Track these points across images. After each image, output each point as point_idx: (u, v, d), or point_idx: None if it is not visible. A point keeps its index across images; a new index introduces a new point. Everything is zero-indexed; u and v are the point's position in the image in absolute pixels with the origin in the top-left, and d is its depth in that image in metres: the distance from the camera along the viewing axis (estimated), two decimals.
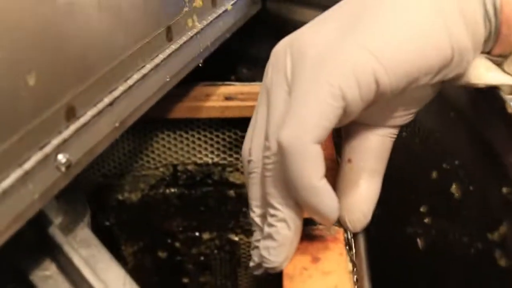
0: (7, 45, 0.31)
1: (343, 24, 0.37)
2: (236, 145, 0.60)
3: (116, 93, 0.40)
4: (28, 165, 0.34)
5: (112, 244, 0.68)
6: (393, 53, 0.35)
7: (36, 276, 0.38)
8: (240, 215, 0.65)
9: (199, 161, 0.61)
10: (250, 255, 0.68)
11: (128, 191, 0.64)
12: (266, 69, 0.41)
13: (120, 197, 0.64)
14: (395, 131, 0.42)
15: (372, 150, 0.42)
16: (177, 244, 0.68)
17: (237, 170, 0.62)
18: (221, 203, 0.64)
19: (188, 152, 0.61)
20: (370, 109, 0.39)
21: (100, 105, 0.38)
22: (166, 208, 0.65)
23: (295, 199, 0.37)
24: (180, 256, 0.69)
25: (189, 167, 0.62)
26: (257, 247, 0.41)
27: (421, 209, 0.54)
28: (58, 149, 0.36)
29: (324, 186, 0.36)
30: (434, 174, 0.51)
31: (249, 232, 0.66)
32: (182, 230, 0.67)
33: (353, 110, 0.36)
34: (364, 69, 0.35)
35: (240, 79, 0.64)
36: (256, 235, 0.42)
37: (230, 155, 0.61)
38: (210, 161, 0.61)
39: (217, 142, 0.60)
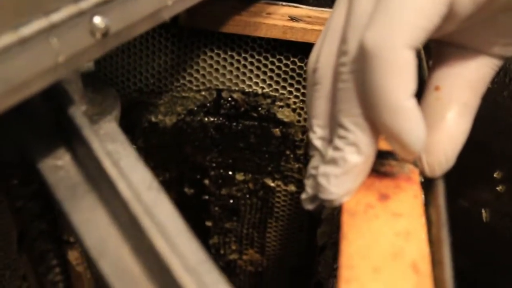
0: None
1: None
2: (292, 76, 0.53)
3: None
4: (56, 17, 0.27)
5: None
6: None
7: (46, 164, 0.32)
8: (283, 158, 0.58)
9: (247, 89, 0.54)
10: (285, 205, 0.62)
11: (163, 113, 0.57)
12: None
13: (153, 119, 0.58)
14: (498, 63, 0.34)
15: (468, 79, 0.34)
16: (206, 182, 0.61)
17: (288, 106, 0.54)
18: (263, 141, 0.57)
19: (237, 77, 0.54)
20: (474, 28, 0.32)
21: None
22: (202, 139, 0.58)
23: (373, 120, 0.30)
24: (208, 195, 0.62)
25: (235, 95, 0.55)
26: (313, 176, 0.34)
27: (495, 175, 0.46)
28: (97, 9, 0.29)
29: (413, 106, 0.29)
30: None
31: (288, 180, 0.59)
32: (215, 166, 0.60)
33: (460, 13, 0.29)
34: None
35: None
36: (314, 161, 0.34)
37: (283, 87, 0.54)
38: (259, 90, 0.54)
39: (271, 70, 0.53)
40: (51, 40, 0.27)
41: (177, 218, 0.28)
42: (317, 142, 0.34)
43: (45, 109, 0.33)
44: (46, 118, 0.33)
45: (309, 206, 0.35)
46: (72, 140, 0.32)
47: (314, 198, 0.34)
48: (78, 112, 0.31)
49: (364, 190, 0.32)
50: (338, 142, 0.31)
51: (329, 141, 0.33)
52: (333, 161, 0.32)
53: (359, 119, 0.30)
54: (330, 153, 0.32)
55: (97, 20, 0.29)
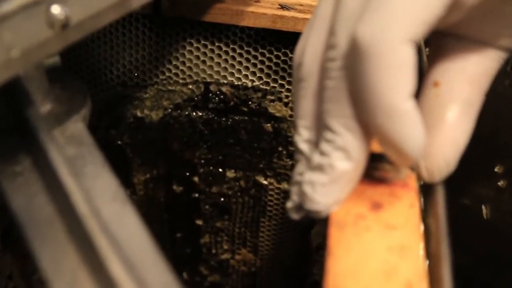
0: None
1: None
2: (284, 68, 0.49)
3: None
4: (7, 7, 0.24)
5: (122, 168, 0.59)
6: None
7: (3, 170, 0.29)
8: (275, 155, 0.55)
9: (236, 82, 0.51)
10: (278, 204, 0.59)
11: (148, 107, 0.54)
12: None
13: (138, 113, 0.55)
14: (503, 55, 0.31)
15: (471, 74, 0.30)
16: (196, 179, 0.58)
17: (280, 100, 0.51)
18: (254, 137, 0.54)
19: (225, 69, 0.51)
20: (481, 18, 0.28)
21: None
22: (190, 134, 0.55)
23: (365, 122, 0.27)
24: (198, 193, 0.59)
25: (224, 89, 0.52)
26: (298, 183, 0.31)
27: (496, 169, 0.43)
28: None
29: (411, 109, 0.26)
30: None
31: (281, 177, 0.56)
32: (204, 163, 0.57)
33: (467, 3, 0.26)
34: None
35: None
36: (300, 166, 0.31)
37: (275, 80, 0.50)
38: (249, 84, 0.51)
39: (261, 62, 0.50)
40: (2, 33, 0.24)
41: (141, 234, 0.25)
42: (303, 146, 0.31)
43: (4, 109, 0.30)
44: (6, 119, 0.30)
45: (295, 216, 0.32)
46: (32, 145, 0.29)
47: (300, 207, 0.31)
48: (36, 114, 0.28)
49: (355, 198, 0.29)
50: (325, 146, 0.28)
51: (316, 144, 0.30)
52: (319, 168, 0.29)
53: (349, 120, 0.27)
54: (317, 158, 0.29)
55: (56, 9, 0.26)
